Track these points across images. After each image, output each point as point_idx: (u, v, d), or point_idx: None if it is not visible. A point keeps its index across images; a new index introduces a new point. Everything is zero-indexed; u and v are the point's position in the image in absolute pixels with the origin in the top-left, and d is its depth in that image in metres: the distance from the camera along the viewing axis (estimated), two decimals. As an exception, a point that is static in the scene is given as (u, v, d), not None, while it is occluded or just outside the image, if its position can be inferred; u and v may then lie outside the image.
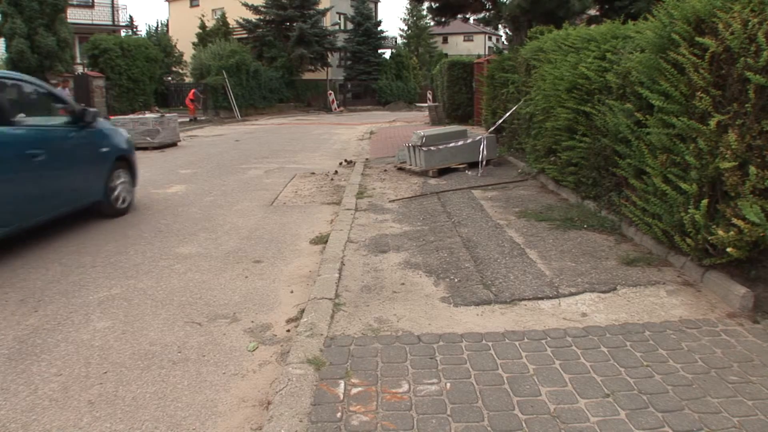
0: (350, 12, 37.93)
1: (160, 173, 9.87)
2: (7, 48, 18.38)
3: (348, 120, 25.33)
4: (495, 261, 4.49)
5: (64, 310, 3.81)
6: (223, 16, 33.32)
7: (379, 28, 38.13)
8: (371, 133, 17.71)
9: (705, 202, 3.68)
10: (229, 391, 2.81)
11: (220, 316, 3.71)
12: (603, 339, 3.13)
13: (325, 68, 34.66)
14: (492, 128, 10.24)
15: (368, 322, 3.42)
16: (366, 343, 3.13)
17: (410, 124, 20.50)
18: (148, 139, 13.59)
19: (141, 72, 23.04)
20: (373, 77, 37.43)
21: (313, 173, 9.72)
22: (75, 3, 23.98)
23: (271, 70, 30.22)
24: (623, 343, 3.07)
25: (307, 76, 33.41)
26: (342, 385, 2.70)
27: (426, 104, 24.72)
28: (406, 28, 55.74)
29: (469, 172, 8.70)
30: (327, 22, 35.01)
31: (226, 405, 2.70)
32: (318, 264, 4.57)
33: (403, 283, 4.08)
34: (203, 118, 24.75)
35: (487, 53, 42.20)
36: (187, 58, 32.77)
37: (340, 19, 38.80)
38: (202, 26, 33.16)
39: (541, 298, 3.73)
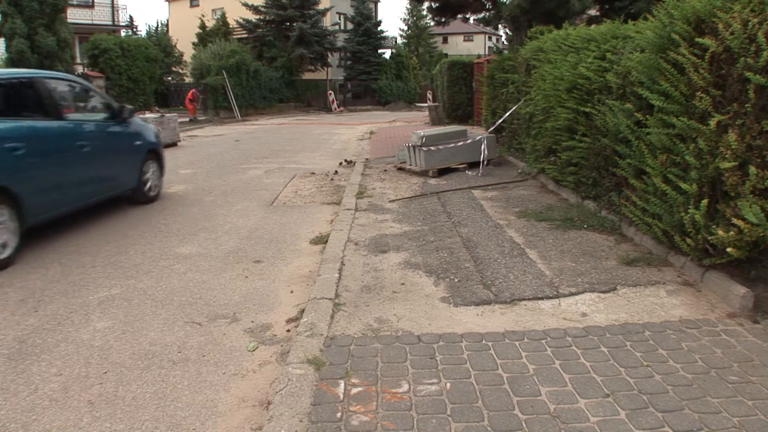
0: (350, 12, 37.91)
1: (160, 173, 9.86)
2: (7, 48, 18.36)
3: (348, 120, 25.32)
4: (495, 261, 4.49)
5: (64, 310, 3.81)
6: (223, 16, 33.31)
7: (379, 28, 38.11)
8: (371, 133, 17.71)
9: (705, 202, 3.68)
10: (229, 391, 2.82)
11: (220, 316, 3.71)
12: (603, 339, 3.13)
13: (325, 68, 34.64)
14: (492, 128, 10.24)
15: (368, 322, 3.43)
16: (366, 343, 3.13)
17: (410, 124, 20.48)
18: (149, 139, 13.61)
19: (141, 72, 23.08)
20: (373, 77, 37.42)
21: (313, 173, 9.72)
22: (75, 3, 23.97)
23: (271, 70, 30.21)
24: (623, 343, 3.07)
25: (307, 76, 33.39)
26: (342, 385, 2.70)
27: (426, 104, 24.71)
28: (406, 28, 55.75)
29: (469, 172, 8.70)
30: (327, 22, 35.00)
31: (226, 405, 2.70)
32: (318, 264, 4.57)
33: (403, 283, 4.08)
34: (203, 118, 24.72)
35: (487, 53, 42.16)
36: (187, 58, 32.73)
37: (340, 19, 38.79)
38: (202, 26, 33.14)
39: (541, 298, 3.73)
